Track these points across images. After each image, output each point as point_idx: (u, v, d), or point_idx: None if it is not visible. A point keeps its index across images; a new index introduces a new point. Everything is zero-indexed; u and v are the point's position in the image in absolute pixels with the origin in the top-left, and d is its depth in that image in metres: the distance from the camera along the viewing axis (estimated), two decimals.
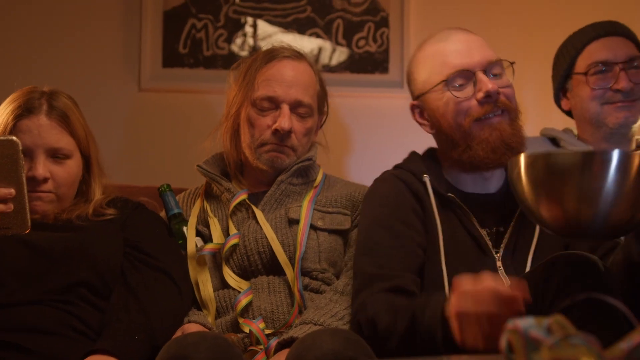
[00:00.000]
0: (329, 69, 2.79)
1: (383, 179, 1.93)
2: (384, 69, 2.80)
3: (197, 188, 2.13)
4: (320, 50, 2.82)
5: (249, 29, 2.80)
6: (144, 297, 1.76)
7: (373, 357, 1.50)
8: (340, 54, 2.81)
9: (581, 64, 2.17)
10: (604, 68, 2.12)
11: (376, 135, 2.79)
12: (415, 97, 1.94)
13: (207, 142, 2.10)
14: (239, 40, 2.78)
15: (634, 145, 2.19)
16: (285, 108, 1.97)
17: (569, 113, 2.28)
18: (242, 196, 1.98)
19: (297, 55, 2.05)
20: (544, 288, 1.43)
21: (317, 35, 2.80)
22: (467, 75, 1.81)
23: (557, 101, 2.29)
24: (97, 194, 1.94)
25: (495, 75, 1.83)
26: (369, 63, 2.80)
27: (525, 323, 0.88)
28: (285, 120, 1.95)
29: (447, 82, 1.82)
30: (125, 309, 1.73)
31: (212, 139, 2.10)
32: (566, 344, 0.85)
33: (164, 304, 1.78)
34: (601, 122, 2.13)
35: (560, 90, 2.25)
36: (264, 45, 2.73)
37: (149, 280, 1.81)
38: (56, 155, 1.88)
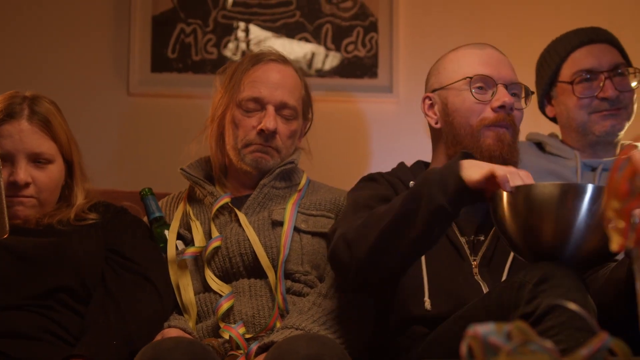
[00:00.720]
0: (322, 73, 2.79)
1: (370, 177, 1.98)
2: (373, 74, 2.80)
3: (180, 192, 2.13)
4: (313, 55, 2.82)
5: (241, 34, 2.80)
6: (123, 302, 1.76)
7: None
8: (333, 59, 2.81)
9: (566, 72, 2.17)
10: (588, 76, 2.12)
11: (365, 140, 2.79)
12: (433, 90, 1.98)
13: (193, 146, 2.09)
14: (231, 45, 2.78)
15: (618, 150, 2.19)
16: (271, 109, 1.98)
17: (553, 119, 2.27)
18: (225, 199, 1.98)
19: (283, 60, 2.07)
20: (519, 295, 1.43)
21: (307, 40, 2.80)
22: (489, 82, 1.88)
23: (542, 108, 2.28)
24: (80, 199, 1.94)
25: (513, 94, 1.91)
26: (358, 68, 2.80)
27: (485, 329, 0.87)
28: (270, 120, 1.96)
29: (471, 81, 1.88)
30: (103, 314, 1.73)
31: (198, 143, 2.10)
32: (524, 350, 0.84)
33: (143, 308, 1.78)
34: (587, 131, 2.13)
35: (545, 97, 2.25)
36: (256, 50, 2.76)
37: (129, 285, 1.81)
38: (38, 160, 1.88)
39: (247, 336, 1.79)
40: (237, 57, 2.73)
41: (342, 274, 1.74)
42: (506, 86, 1.88)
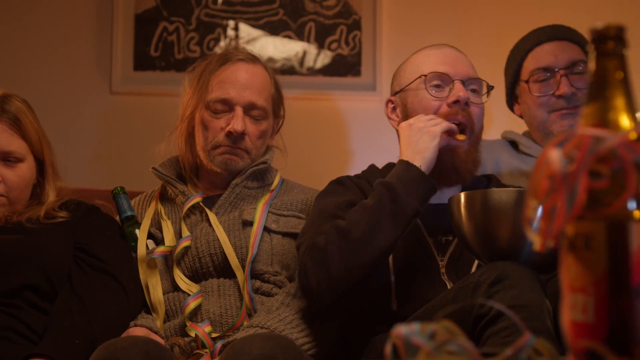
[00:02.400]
0: (305, 72, 2.78)
1: (338, 181, 1.97)
2: (357, 72, 2.79)
3: (153, 191, 2.13)
4: (305, 53, 2.82)
5: (230, 32, 2.80)
6: (88, 301, 1.76)
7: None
8: (325, 57, 2.80)
9: (525, 71, 2.15)
10: (547, 74, 2.10)
11: (348, 138, 2.78)
12: (394, 93, 1.99)
13: (162, 145, 2.09)
14: (223, 44, 2.77)
15: None
16: (239, 110, 1.97)
17: (521, 118, 2.26)
18: (196, 199, 1.98)
19: (252, 59, 2.04)
20: (474, 296, 1.43)
21: (290, 38, 2.80)
22: (445, 79, 1.87)
23: (510, 107, 2.27)
24: (51, 197, 1.94)
25: (472, 90, 1.90)
26: (341, 66, 2.79)
27: (409, 329, 0.87)
28: (238, 122, 1.95)
29: (426, 79, 1.87)
30: (68, 313, 1.73)
31: (168, 142, 2.10)
32: (444, 350, 0.84)
33: (108, 307, 1.78)
34: (547, 130, 2.11)
35: (511, 96, 2.24)
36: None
37: (96, 283, 1.81)
38: (7, 158, 1.88)
39: (214, 335, 1.78)
40: None
41: (313, 300, 1.73)
42: (463, 82, 1.86)
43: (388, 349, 0.88)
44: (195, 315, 1.84)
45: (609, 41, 0.85)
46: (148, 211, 2.02)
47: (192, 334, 1.78)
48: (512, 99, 2.24)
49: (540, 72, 2.10)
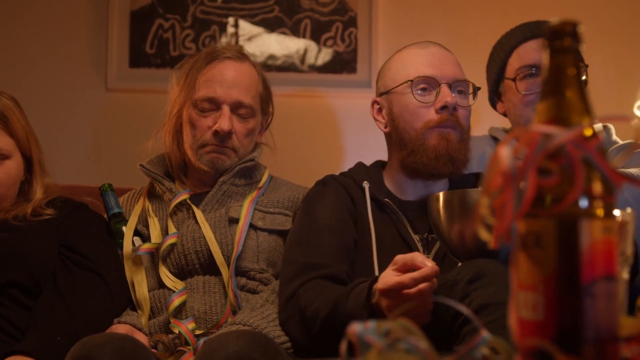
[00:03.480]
0: (311, 69, 2.78)
1: (323, 182, 1.97)
2: (352, 69, 2.79)
3: (142, 188, 2.13)
4: (306, 50, 2.82)
5: (231, 29, 2.80)
6: (70, 298, 1.76)
7: (282, 358, 1.49)
8: (326, 54, 2.80)
9: (510, 68, 2.11)
10: (533, 71, 2.05)
11: (343, 135, 2.78)
12: (379, 94, 1.98)
13: (150, 143, 2.09)
14: (223, 40, 2.77)
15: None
16: (226, 109, 1.96)
17: (504, 115, 2.23)
18: (184, 196, 1.98)
19: (239, 56, 2.03)
20: (451, 294, 1.43)
21: (285, 35, 2.79)
22: (432, 83, 1.87)
23: (493, 105, 2.24)
24: (39, 194, 1.94)
25: (459, 92, 1.89)
26: (337, 63, 2.78)
27: (364, 327, 0.87)
28: (225, 121, 1.94)
29: (412, 84, 1.86)
30: (50, 310, 1.73)
31: (155, 140, 2.10)
32: (395, 348, 0.84)
33: (91, 305, 1.78)
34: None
35: (494, 94, 2.20)
36: (244, 45, 2.76)
37: (79, 281, 1.81)
38: None
39: (198, 332, 1.79)
40: None
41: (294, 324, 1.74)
42: (450, 85, 1.86)
43: (343, 347, 0.88)
44: (179, 312, 1.84)
45: (564, 37, 0.84)
46: (135, 208, 2.02)
47: (176, 331, 1.78)
48: (494, 97, 2.20)
49: (527, 69, 2.06)
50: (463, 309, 1.03)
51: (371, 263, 1.79)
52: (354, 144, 2.79)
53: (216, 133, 1.96)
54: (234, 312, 1.84)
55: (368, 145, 2.73)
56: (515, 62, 2.09)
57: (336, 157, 2.78)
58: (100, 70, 2.75)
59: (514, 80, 2.06)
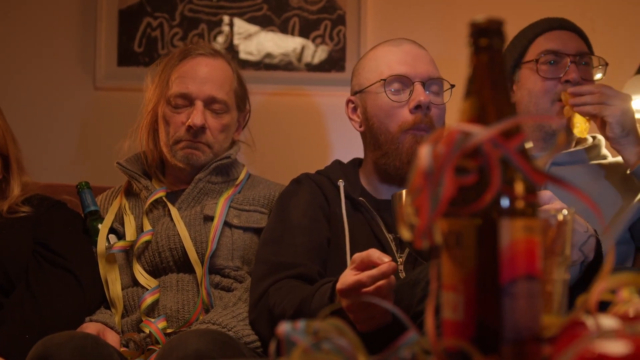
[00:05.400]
0: (291, 67, 2.78)
1: (297, 180, 1.97)
2: (341, 67, 2.78)
3: (120, 186, 2.13)
4: (303, 48, 2.81)
5: (225, 28, 2.80)
6: (40, 296, 1.77)
7: (243, 357, 1.49)
8: (322, 52, 2.80)
9: (532, 52, 2.10)
10: (554, 59, 2.05)
11: (332, 134, 2.77)
12: (354, 93, 1.97)
13: (127, 142, 2.09)
14: (220, 39, 2.78)
15: (573, 145, 2.14)
16: (199, 104, 1.97)
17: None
18: (159, 194, 1.98)
19: (212, 53, 2.04)
20: (412, 293, 1.42)
21: (282, 34, 2.79)
22: (405, 82, 1.85)
23: None
24: (16, 192, 1.95)
25: (433, 92, 1.88)
26: (325, 61, 2.78)
27: (292, 327, 0.86)
28: (197, 116, 1.95)
29: (385, 83, 1.85)
30: (19, 308, 1.74)
31: (130, 138, 2.10)
32: (321, 348, 0.83)
33: (62, 303, 1.79)
34: (543, 122, 2.06)
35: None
36: (240, 44, 2.76)
37: (51, 278, 1.82)
38: None
39: (169, 331, 1.79)
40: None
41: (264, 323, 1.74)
42: (423, 83, 1.85)
43: (272, 347, 0.88)
44: (152, 310, 1.84)
45: (489, 36, 0.83)
46: (112, 206, 2.03)
47: (147, 331, 1.78)
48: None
49: (550, 54, 2.06)
50: (389, 306, 1.04)
51: (344, 262, 1.78)
52: (342, 142, 2.78)
53: (189, 128, 1.96)
54: (207, 311, 1.84)
55: (356, 144, 2.72)
56: (539, 47, 2.08)
57: (323, 155, 2.77)
58: (89, 69, 2.75)
59: (536, 62, 2.05)
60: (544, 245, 0.98)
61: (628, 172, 1.94)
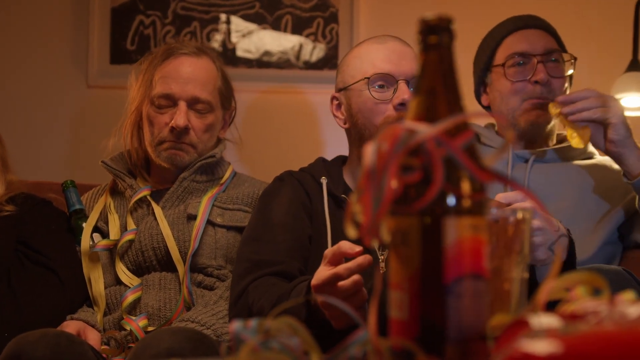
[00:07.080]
0: (282, 65, 2.78)
1: (280, 178, 1.96)
2: (333, 65, 2.77)
3: (106, 184, 2.13)
4: (301, 46, 2.81)
5: (222, 26, 2.80)
6: (21, 295, 1.77)
7: (217, 355, 1.48)
8: (320, 50, 2.79)
9: (500, 56, 2.10)
10: (522, 60, 2.05)
11: (324, 132, 2.77)
12: (338, 90, 1.97)
13: (111, 141, 2.09)
14: (218, 37, 2.78)
15: (554, 141, 2.13)
16: (182, 105, 1.96)
17: (487, 108, 2.20)
18: (144, 192, 1.98)
19: (196, 52, 2.03)
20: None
21: (280, 32, 2.79)
22: (389, 80, 1.85)
23: (477, 97, 2.22)
24: (0, 191, 1.95)
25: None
26: (322, 59, 2.78)
27: (243, 325, 0.86)
28: (180, 117, 1.94)
29: (369, 81, 1.85)
30: (0, 307, 1.74)
31: (115, 138, 2.10)
32: (271, 347, 0.83)
33: (42, 301, 1.79)
34: (515, 120, 2.05)
35: (481, 85, 2.18)
36: (238, 41, 2.76)
37: (32, 277, 1.82)
38: None
39: (150, 329, 1.79)
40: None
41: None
42: (408, 81, 1.84)
43: (223, 347, 0.88)
44: (134, 308, 1.85)
45: (438, 33, 0.83)
46: (97, 204, 2.03)
47: (128, 328, 1.79)
48: (480, 88, 2.18)
49: (517, 56, 2.04)
50: (334, 301, 1.04)
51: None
52: (335, 141, 2.78)
53: (173, 129, 1.96)
54: (189, 309, 1.84)
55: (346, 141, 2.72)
56: (505, 50, 2.07)
57: (315, 153, 2.76)
58: (81, 67, 2.76)
59: (502, 65, 2.05)
60: (503, 244, 0.97)
61: (628, 182, 1.88)
